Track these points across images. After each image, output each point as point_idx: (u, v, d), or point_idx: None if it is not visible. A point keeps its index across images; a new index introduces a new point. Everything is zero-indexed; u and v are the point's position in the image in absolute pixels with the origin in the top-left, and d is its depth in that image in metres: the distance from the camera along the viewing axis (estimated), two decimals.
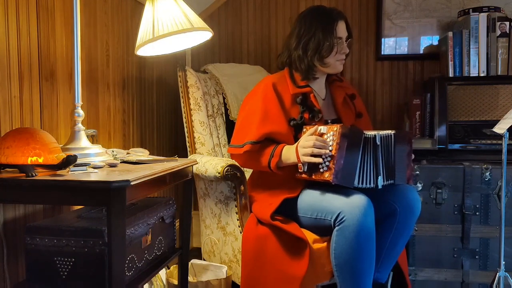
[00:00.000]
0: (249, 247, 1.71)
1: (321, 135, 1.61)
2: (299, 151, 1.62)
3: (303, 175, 1.64)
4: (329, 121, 1.85)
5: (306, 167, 1.61)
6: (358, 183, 1.57)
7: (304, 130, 1.71)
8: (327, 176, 1.55)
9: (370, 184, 1.59)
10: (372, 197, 1.58)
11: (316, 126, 1.64)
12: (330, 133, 1.57)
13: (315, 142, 1.56)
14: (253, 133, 1.71)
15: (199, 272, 1.95)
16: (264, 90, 1.77)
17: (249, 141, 1.71)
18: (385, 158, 1.61)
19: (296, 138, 1.73)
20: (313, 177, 1.60)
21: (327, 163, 1.56)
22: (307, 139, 1.59)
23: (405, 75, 2.66)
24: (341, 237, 1.55)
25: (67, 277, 1.22)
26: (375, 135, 1.59)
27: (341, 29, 1.79)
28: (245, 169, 1.87)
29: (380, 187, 1.60)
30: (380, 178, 1.60)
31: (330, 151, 1.55)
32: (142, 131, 2.26)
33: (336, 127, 1.56)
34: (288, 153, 1.67)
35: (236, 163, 1.82)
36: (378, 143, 1.60)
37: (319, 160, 1.56)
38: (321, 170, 1.57)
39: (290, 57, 1.82)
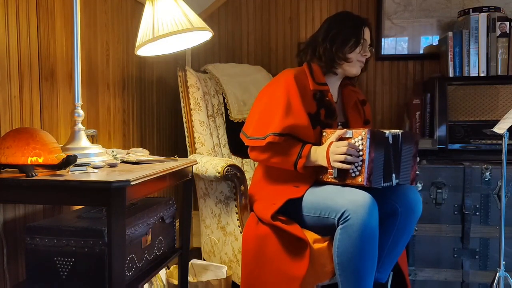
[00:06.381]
0: (249, 247, 1.71)
1: (347, 139, 1.62)
2: (330, 157, 1.62)
3: (333, 180, 1.65)
4: (339, 123, 1.86)
5: (336, 173, 1.63)
6: (382, 183, 1.61)
7: (325, 134, 1.72)
8: (360, 180, 1.58)
9: (388, 182, 1.63)
10: (374, 197, 1.59)
11: (342, 130, 1.65)
12: (358, 138, 1.59)
13: (348, 149, 1.58)
14: (277, 124, 1.68)
15: (199, 272, 1.95)
16: (286, 82, 1.76)
17: (272, 132, 1.68)
18: (394, 157, 1.64)
19: None
20: (346, 181, 1.63)
21: (358, 168, 1.59)
22: (338, 145, 1.60)
23: (405, 75, 2.66)
24: (344, 236, 1.55)
25: (67, 277, 1.22)
26: (387, 135, 1.63)
27: (367, 34, 1.84)
28: (245, 169, 1.86)
29: (394, 184, 1.64)
30: (393, 176, 1.64)
31: (361, 155, 1.57)
32: (142, 131, 2.26)
33: (363, 132, 1.59)
34: (316, 155, 1.67)
35: (235, 163, 1.82)
36: (391, 142, 1.63)
37: (351, 166, 1.59)
38: (353, 175, 1.60)
39: (315, 50, 1.83)
